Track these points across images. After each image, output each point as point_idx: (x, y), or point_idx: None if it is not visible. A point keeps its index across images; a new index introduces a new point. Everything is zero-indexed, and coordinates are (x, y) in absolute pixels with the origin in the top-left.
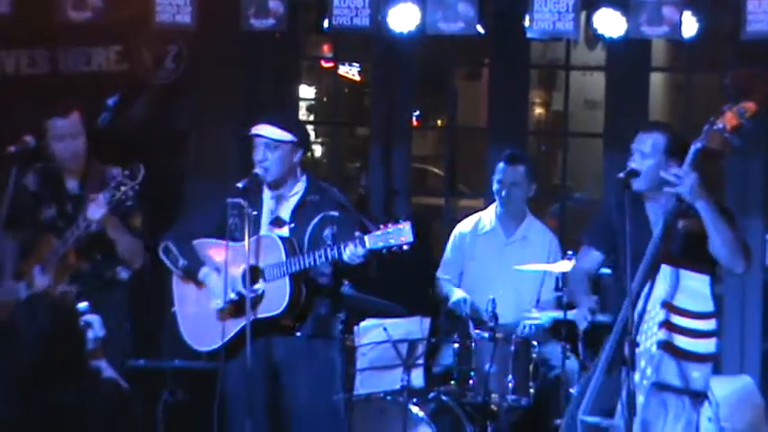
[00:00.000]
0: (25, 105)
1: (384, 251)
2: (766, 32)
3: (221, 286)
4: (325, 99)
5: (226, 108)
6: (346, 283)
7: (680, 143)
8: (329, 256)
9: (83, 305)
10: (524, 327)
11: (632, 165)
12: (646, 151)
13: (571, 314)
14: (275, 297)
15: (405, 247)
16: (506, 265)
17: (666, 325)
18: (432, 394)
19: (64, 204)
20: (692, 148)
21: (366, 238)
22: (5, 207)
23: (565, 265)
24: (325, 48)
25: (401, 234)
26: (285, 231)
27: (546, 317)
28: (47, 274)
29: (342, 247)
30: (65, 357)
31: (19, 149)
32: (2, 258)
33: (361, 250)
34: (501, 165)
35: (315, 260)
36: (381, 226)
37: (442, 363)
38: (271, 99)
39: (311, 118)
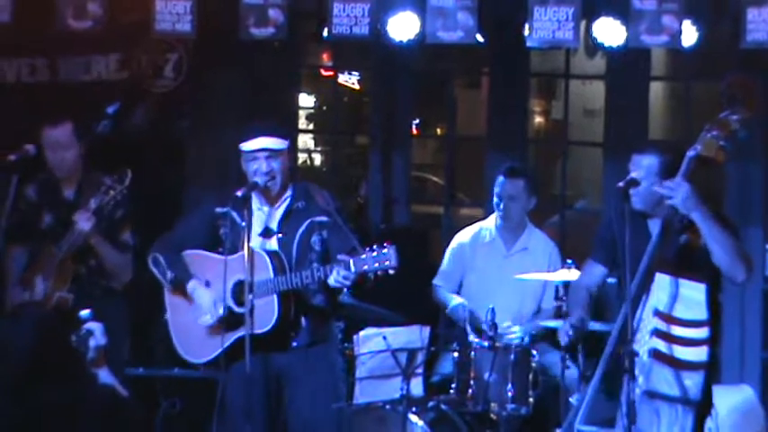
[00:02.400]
0: (25, 113)
1: (370, 274)
2: (766, 41)
3: (209, 301)
4: (324, 108)
5: (225, 116)
6: (346, 291)
7: (675, 161)
8: (316, 277)
9: (85, 313)
10: (520, 338)
11: (632, 174)
12: (641, 174)
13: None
14: (264, 314)
15: (390, 272)
16: (507, 277)
17: (660, 333)
18: (431, 403)
19: (60, 211)
20: (686, 157)
21: (351, 261)
22: (5, 216)
23: (564, 274)
24: (325, 56)
25: (385, 258)
26: (274, 241)
27: (528, 328)
28: (46, 281)
29: (328, 270)
30: (51, 366)
31: (19, 158)
32: (8, 267)
33: (344, 273)
34: (500, 178)
35: (302, 280)
36: (366, 249)
37: (442, 372)
38: (270, 107)
39: (311, 126)
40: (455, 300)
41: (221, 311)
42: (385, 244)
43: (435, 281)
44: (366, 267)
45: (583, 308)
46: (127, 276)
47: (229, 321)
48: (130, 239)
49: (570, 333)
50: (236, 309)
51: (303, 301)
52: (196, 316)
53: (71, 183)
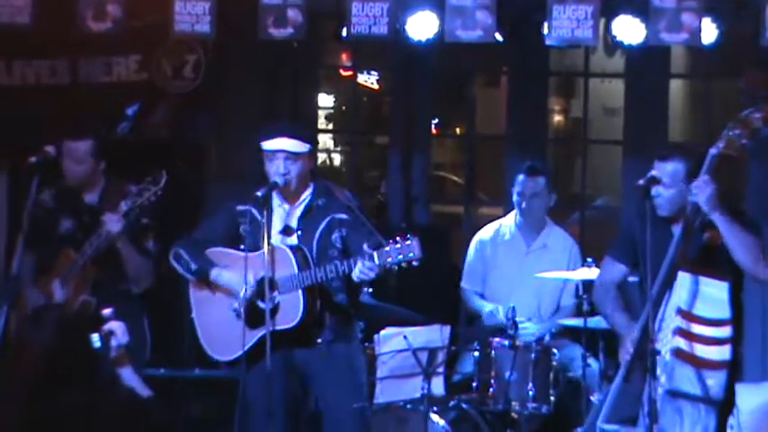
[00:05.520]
0: (46, 115)
1: (394, 266)
2: None
3: (236, 280)
4: (343, 108)
5: (245, 117)
6: (366, 291)
7: (698, 163)
8: (340, 271)
9: (106, 312)
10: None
11: (653, 172)
12: (666, 181)
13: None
14: (290, 309)
15: (414, 263)
16: (527, 274)
17: (681, 332)
18: (452, 403)
19: (81, 216)
20: (709, 155)
21: (375, 254)
22: (27, 216)
23: (585, 273)
24: (344, 56)
25: (409, 249)
26: (294, 239)
27: (548, 326)
28: (66, 286)
29: (352, 263)
30: (71, 369)
31: (40, 160)
32: (22, 271)
33: (369, 264)
34: (521, 177)
35: (326, 274)
36: (390, 241)
37: (463, 371)
38: (289, 108)
39: (330, 126)
40: (487, 306)
41: (250, 291)
42: (408, 235)
43: (463, 284)
44: (390, 259)
45: (623, 313)
46: (147, 282)
47: (255, 318)
48: (153, 247)
49: (631, 351)
50: (262, 305)
51: (327, 298)
52: (222, 310)
53: (92, 188)
